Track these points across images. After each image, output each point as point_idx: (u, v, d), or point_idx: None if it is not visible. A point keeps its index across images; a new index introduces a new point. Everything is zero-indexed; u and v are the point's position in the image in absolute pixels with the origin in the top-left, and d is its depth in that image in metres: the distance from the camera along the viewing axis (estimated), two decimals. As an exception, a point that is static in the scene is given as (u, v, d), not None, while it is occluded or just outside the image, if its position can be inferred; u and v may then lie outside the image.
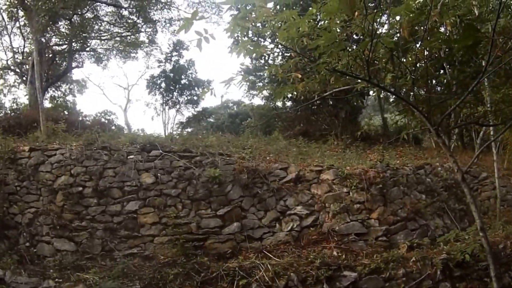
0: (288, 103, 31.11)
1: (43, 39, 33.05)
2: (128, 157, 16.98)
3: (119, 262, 14.76)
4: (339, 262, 14.06)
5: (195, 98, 43.42)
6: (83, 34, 35.04)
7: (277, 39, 8.71)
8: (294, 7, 10.91)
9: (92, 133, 18.68)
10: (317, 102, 25.66)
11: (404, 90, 11.79)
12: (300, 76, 9.76)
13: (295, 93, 10.91)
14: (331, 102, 28.33)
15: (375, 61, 10.07)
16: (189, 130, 41.84)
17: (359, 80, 9.75)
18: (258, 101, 38.72)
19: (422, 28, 9.58)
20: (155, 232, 15.86)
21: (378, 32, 8.25)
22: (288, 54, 24.16)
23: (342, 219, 15.73)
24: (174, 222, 15.75)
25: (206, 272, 13.93)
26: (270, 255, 14.95)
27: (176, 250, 15.08)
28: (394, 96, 12.63)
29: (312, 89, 10.88)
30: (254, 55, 9.62)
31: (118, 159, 16.87)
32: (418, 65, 10.66)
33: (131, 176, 16.49)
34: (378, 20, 7.97)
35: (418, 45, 10.36)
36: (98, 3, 35.50)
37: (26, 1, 28.64)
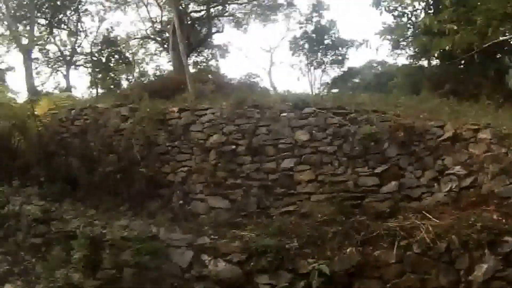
0: (434, 62, 30.31)
1: (180, 7, 33.41)
2: (281, 115, 16.65)
3: (275, 220, 14.54)
4: (500, 226, 13.06)
5: (339, 58, 44.03)
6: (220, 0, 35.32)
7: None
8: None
9: (241, 93, 18.46)
10: (466, 60, 24.71)
11: None
12: (455, 27, 9.16)
13: (444, 49, 10.26)
14: (478, 61, 27.24)
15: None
16: (335, 91, 41.62)
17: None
18: (402, 60, 38.01)
19: None
20: (312, 190, 15.45)
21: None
22: (431, 12, 23.35)
23: (502, 181, 14.52)
24: (331, 180, 15.30)
25: (366, 231, 13.41)
26: (429, 216, 14.10)
27: (334, 208, 14.52)
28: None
29: (469, 40, 10.21)
30: (396, 13, 9.04)
31: (270, 117, 16.60)
32: None
33: (285, 134, 16.22)
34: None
35: None
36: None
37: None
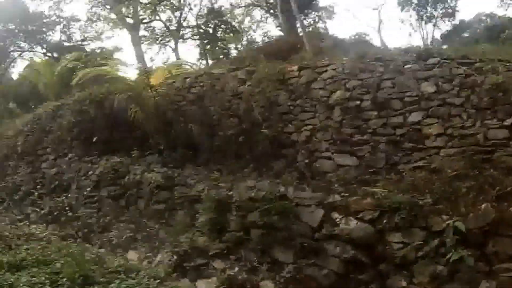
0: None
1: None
2: (405, 67, 15.99)
3: (406, 176, 14.04)
4: None
5: (449, 11, 43.69)
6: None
7: None
8: None
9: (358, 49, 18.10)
10: None
11: None
12: None
13: None
14: None
15: None
16: (446, 46, 41.02)
17: None
18: (512, 11, 37.10)
19: None
20: (441, 144, 14.76)
21: None
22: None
23: None
24: (460, 133, 14.55)
25: (500, 187, 12.57)
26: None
27: (464, 163, 13.85)
28: None
29: None
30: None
31: (394, 70, 15.97)
32: None
33: (410, 86, 15.54)
34: None
35: None
36: None
37: None
